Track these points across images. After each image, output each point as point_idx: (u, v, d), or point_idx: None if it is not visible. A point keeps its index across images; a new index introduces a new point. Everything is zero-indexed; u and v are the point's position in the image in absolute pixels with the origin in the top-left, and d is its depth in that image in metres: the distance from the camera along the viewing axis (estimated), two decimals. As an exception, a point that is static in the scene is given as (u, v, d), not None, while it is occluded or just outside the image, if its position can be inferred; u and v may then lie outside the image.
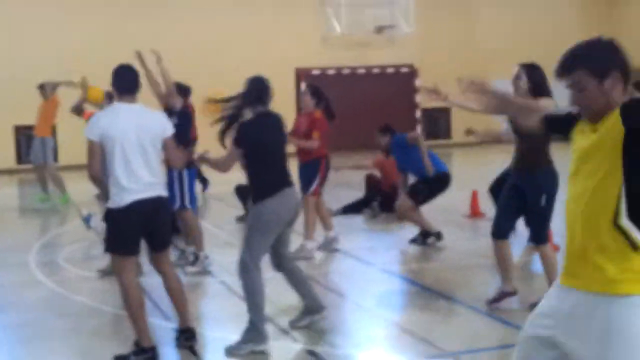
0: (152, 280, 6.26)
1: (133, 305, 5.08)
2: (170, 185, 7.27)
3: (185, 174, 7.51)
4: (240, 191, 10.02)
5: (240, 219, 10.02)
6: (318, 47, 21.54)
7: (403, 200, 8.41)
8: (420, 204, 8.44)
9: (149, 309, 5.36)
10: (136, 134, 5.04)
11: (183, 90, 8.02)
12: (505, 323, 5.66)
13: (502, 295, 6.06)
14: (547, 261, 5.95)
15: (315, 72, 21.42)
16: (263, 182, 5.37)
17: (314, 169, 7.99)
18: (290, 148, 8.12)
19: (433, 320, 5.94)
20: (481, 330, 5.62)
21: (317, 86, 8.44)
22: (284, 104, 23.31)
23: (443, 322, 5.96)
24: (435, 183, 8.51)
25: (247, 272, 5.22)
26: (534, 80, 5.94)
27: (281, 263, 5.60)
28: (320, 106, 8.05)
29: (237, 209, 10.50)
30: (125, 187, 4.99)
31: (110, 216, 5.08)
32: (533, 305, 5.87)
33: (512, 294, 6.07)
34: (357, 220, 10.41)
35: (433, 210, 8.96)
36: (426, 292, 6.66)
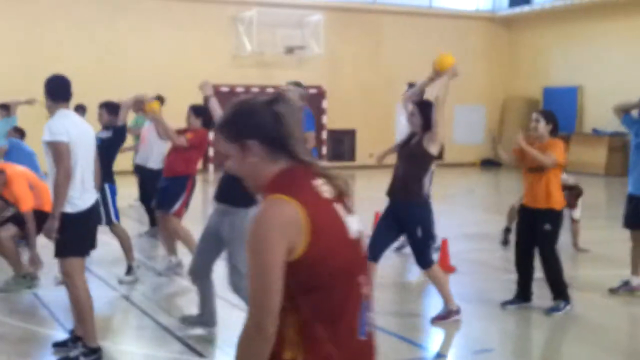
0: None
1: (86, 306, 5.19)
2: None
3: (107, 188, 7.54)
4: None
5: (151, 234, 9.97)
6: (228, 65, 21.64)
7: None
8: None
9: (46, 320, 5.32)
10: (87, 139, 5.22)
11: (114, 108, 8.03)
12: (401, 339, 5.90)
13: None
14: (436, 281, 6.28)
15: (224, 89, 21.47)
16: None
17: (179, 188, 7.89)
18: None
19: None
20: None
21: (201, 105, 8.47)
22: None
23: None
24: None
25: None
26: (426, 116, 6.27)
27: (207, 273, 5.74)
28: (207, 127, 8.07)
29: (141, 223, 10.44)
30: (87, 189, 5.17)
31: (70, 220, 5.07)
32: (434, 319, 6.19)
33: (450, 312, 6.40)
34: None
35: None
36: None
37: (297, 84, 8.45)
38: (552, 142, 6.61)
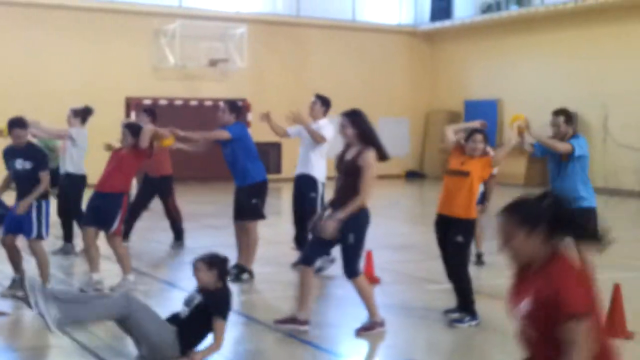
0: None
1: None
2: (28, 213, 7.28)
3: (43, 203, 7.39)
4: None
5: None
6: (151, 77, 21.34)
7: (249, 222, 8.54)
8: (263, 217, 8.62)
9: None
10: None
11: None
12: (319, 349, 5.87)
13: (288, 321, 6.29)
14: (362, 292, 6.27)
15: (147, 101, 21.15)
16: None
17: (116, 207, 7.69)
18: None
19: (257, 350, 6.04)
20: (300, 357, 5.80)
21: (136, 123, 8.34)
22: (113, 132, 22.95)
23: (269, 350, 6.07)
24: (263, 191, 8.74)
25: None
26: (359, 127, 6.31)
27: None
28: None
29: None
30: None
31: None
32: (359, 331, 6.17)
33: (294, 320, 6.29)
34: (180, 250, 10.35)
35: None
36: (254, 322, 6.76)
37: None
38: (485, 159, 6.79)
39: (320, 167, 8.80)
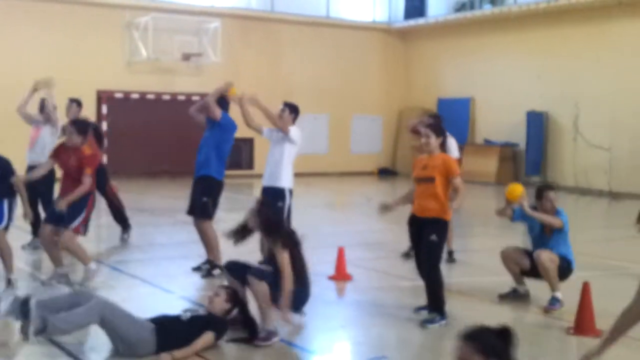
0: None
1: None
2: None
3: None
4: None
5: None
6: (122, 71, 21.16)
7: (199, 221, 8.47)
8: (212, 217, 8.54)
9: None
10: None
11: None
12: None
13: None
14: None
15: (119, 95, 20.97)
16: None
17: (81, 205, 7.55)
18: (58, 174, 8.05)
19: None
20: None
21: (83, 120, 8.19)
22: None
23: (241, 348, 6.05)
24: (218, 191, 8.64)
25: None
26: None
27: None
28: (85, 141, 7.76)
29: None
30: None
31: None
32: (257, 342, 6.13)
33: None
34: (157, 247, 10.28)
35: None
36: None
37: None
38: (443, 157, 6.68)
39: (288, 175, 8.73)
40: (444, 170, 6.57)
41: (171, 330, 5.50)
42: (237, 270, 6.24)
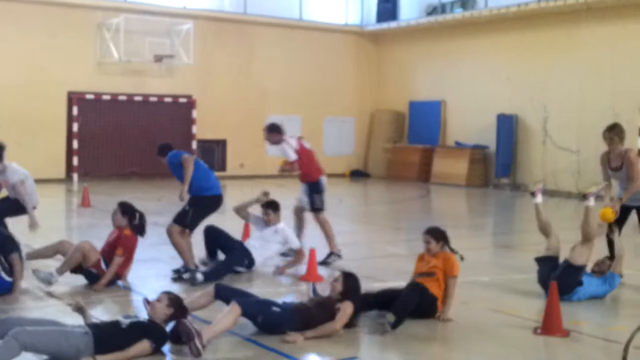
0: None
1: None
2: None
3: None
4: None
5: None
6: (94, 72, 21.04)
7: (170, 225, 8.43)
8: (190, 227, 8.49)
9: None
10: None
11: None
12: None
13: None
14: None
15: (90, 96, 20.84)
16: None
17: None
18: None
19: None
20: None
21: (127, 203, 8.25)
22: (54, 127, 22.74)
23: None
24: (204, 205, 8.61)
25: None
26: (348, 286, 6.52)
27: None
28: (133, 224, 8.00)
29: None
30: None
31: None
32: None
33: None
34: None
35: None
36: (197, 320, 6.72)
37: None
38: (444, 255, 7.02)
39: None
40: (445, 268, 6.90)
41: (108, 335, 5.40)
42: (225, 292, 6.35)
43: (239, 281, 8.33)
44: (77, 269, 7.83)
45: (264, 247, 8.88)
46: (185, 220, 8.42)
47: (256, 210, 9.35)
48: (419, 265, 7.10)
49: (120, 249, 7.84)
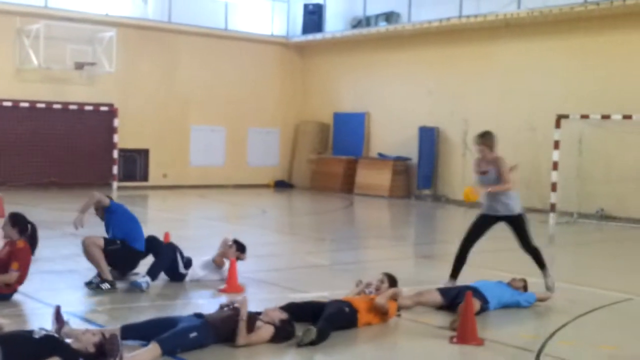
0: None
1: None
2: None
3: None
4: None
5: None
6: (12, 79, 20.49)
7: (88, 237, 8.28)
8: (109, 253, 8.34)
9: None
10: None
11: None
12: None
13: None
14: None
15: (7, 104, 20.28)
16: None
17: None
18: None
19: None
20: None
21: (18, 214, 7.92)
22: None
23: None
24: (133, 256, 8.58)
25: None
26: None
27: None
28: (25, 235, 7.66)
29: None
30: None
31: None
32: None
33: None
34: (42, 261, 9.99)
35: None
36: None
37: None
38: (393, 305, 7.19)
39: None
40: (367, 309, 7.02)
41: (18, 346, 5.21)
42: (133, 331, 6.15)
43: (163, 293, 8.21)
44: None
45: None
46: (110, 245, 8.32)
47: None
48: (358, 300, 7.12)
49: (15, 262, 7.45)
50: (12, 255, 7.54)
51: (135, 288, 8.18)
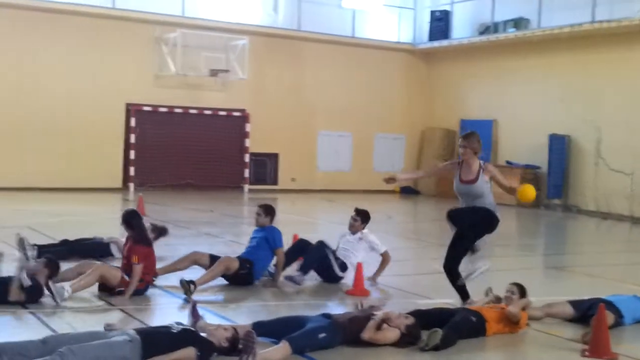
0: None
1: None
2: None
3: None
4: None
5: None
6: (151, 84, 21.52)
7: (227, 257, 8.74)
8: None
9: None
10: None
11: None
12: None
13: None
14: None
15: (147, 108, 21.34)
16: None
17: None
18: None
19: None
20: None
21: (132, 211, 8.44)
22: (112, 138, 23.23)
23: None
24: None
25: None
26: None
27: None
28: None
29: None
30: None
31: None
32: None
33: None
34: None
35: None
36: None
37: None
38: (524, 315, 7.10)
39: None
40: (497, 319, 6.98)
41: (157, 340, 5.49)
42: (265, 328, 6.38)
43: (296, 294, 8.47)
44: (104, 289, 7.86)
45: (348, 255, 9.15)
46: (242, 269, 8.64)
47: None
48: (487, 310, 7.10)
49: (134, 256, 7.86)
50: (131, 250, 7.95)
51: (290, 283, 8.57)
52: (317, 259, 8.87)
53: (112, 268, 7.97)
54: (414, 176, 8.05)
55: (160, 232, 9.29)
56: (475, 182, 7.63)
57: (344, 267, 9.01)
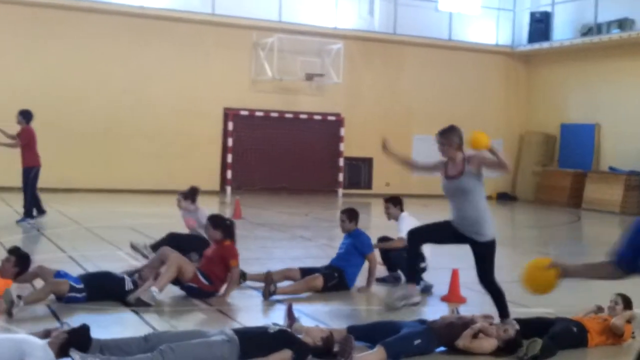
0: None
1: None
2: None
3: None
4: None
5: None
6: (248, 89, 21.88)
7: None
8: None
9: None
10: None
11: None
12: None
13: None
14: None
15: (244, 112, 21.70)
16: None
17: None
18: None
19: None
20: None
21: (217, 215, 8.50)
22: (211, 142, 23.70)
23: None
24: None
25: None
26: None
27: None
28: (228, 235, 8.06)
29: None
30: None
31: None
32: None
33: None
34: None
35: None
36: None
37: None
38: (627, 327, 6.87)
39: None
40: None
41: (255, 341, 5.54)
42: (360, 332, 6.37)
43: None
44: (174, 283, 7.83)
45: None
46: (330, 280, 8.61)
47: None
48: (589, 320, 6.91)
49: (233, 260, 7.84)
50: (226, 254, 7.87)
51: (426, 291, 8.64)
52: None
53: (188, 262, 7.95)
54: (403, 159, 7.49)
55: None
56: (460, 175, 7.04)
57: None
